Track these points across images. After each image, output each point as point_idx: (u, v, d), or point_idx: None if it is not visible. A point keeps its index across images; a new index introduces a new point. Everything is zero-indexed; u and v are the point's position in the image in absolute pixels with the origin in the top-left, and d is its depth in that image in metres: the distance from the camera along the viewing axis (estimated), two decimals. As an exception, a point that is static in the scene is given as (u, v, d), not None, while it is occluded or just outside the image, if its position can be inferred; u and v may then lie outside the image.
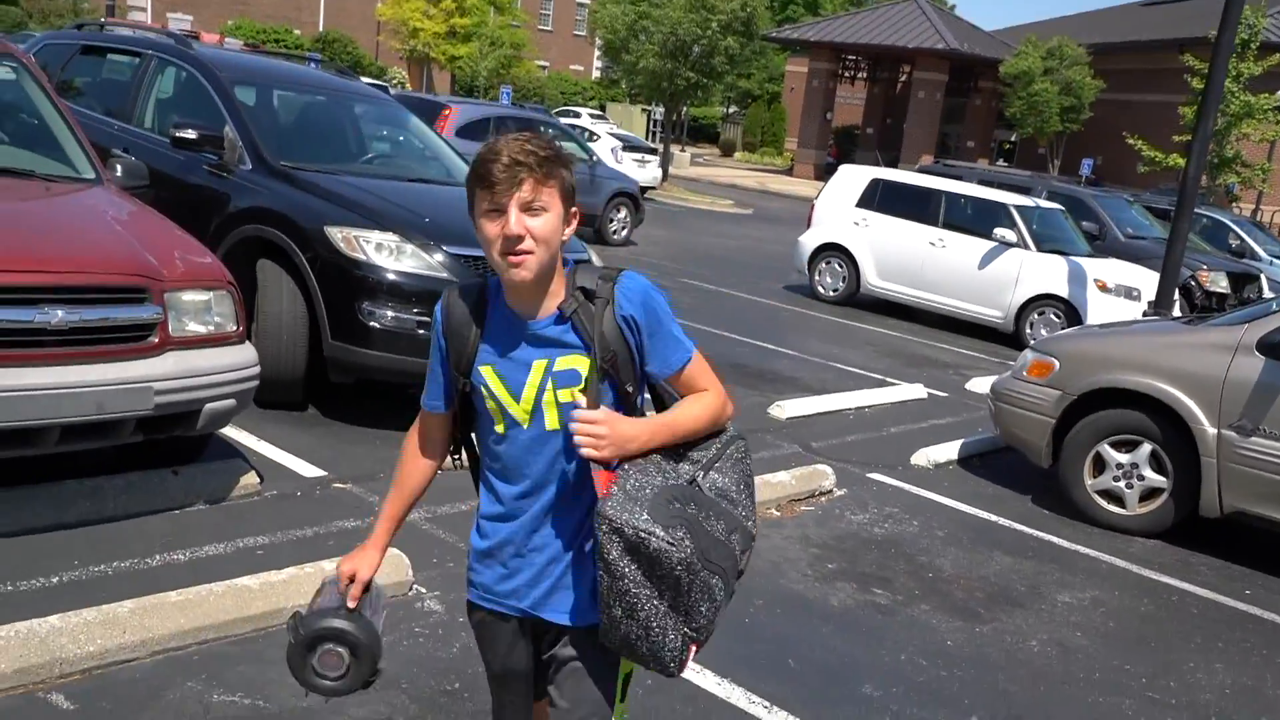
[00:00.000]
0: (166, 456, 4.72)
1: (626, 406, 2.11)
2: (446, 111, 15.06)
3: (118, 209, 4.81)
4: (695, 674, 3.82)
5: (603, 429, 1.98)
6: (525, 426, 2.10)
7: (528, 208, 1.96)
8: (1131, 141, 20.94)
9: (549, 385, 2.07)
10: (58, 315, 3.91)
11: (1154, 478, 6.05)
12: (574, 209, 2.07)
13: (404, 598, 4.10)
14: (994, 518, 6.16)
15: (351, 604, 2.19)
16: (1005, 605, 4.93)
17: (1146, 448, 6.05)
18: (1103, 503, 6.21)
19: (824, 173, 41.97)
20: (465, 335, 2.12)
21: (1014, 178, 15.98)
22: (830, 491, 6.14)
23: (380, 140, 7.87)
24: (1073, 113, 35.88)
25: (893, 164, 31.61)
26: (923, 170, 17.01)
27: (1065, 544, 5.87)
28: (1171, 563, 5.79)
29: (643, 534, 1.90)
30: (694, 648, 2.05)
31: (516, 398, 2.09)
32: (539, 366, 2.07)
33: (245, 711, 3.23)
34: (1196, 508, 5.93)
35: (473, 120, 15.16)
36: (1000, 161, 39.56)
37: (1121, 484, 6.14)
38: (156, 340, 4.25)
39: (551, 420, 2.09)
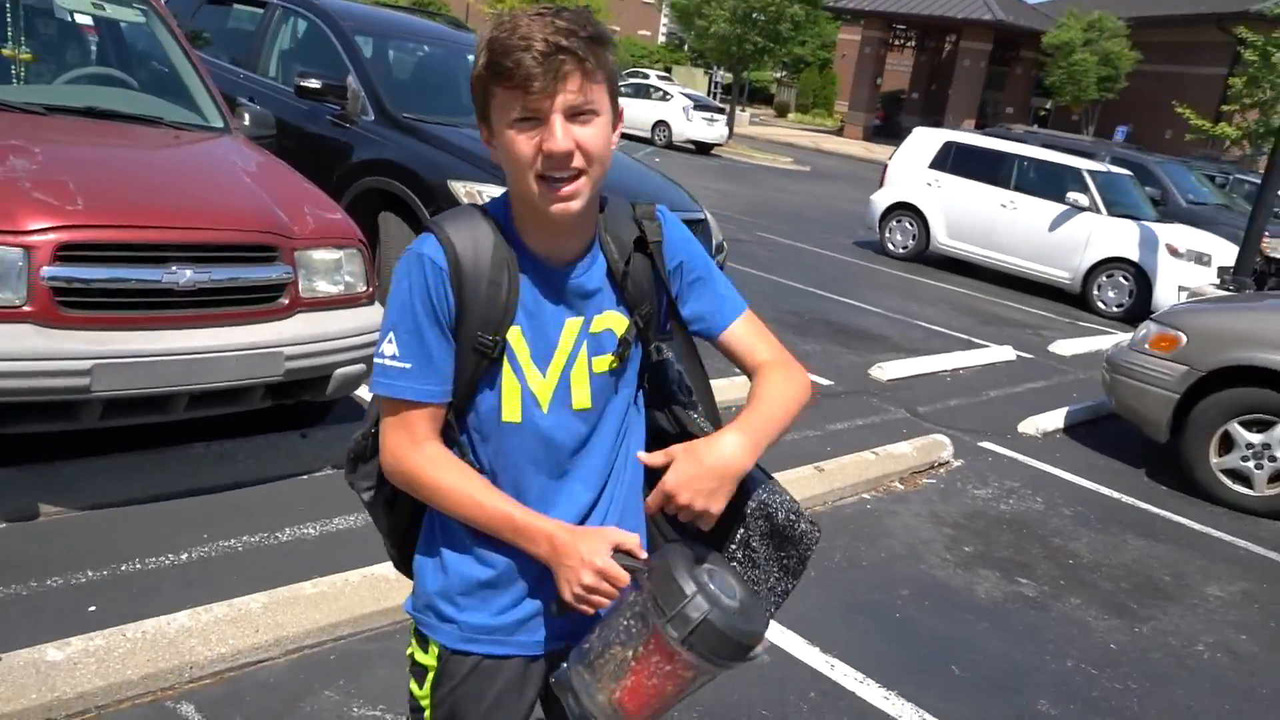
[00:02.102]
0: (292, 418, 4.06)
1: (651, 371, 1.48)
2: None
3: (246, 160, 4.08)
4: (860, 685, 3.10)
5: (701, 484, 1.33)
6: (544, 410, 1.37)
7: (575, 113, 1.25)
8: (1181, 110, 19.34)
9: (581, 352, 1.38)
10: (186, 275, 3.22)
11: (1287, 460, 5.18)
12: (619, 108, 1.34)
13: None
14: (1115, 494, 5.34)
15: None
16: (1156, 599, 4.14)
17: (1281, 429, 5.18)
18: (1228, 482, 5.35)
19: (872, 134, 40.53)
20: (495, 284, 1.32)
21: (1077, 143, 14.78)
22: (948, 463, 5.36)
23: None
24: (1108, 82, 33.78)
25: (936, 127, 29.99)
26: (986, 133, 15.82)
27: (1195, 526, 5.04)
28: (1309, 550, 4.96)
29: (793, 515, 1.44)
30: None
31: (542, 370, 1.37)
32: (571, 328, 1.38)
33: (388, 728, 2.58)
34: (1333, 493, 5.09)
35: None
36: (1035, 126, 37.63)
37: (1250, 464, 5.27)
38: (287, 302, 3.55)
39: (580, 398, 1.39)
